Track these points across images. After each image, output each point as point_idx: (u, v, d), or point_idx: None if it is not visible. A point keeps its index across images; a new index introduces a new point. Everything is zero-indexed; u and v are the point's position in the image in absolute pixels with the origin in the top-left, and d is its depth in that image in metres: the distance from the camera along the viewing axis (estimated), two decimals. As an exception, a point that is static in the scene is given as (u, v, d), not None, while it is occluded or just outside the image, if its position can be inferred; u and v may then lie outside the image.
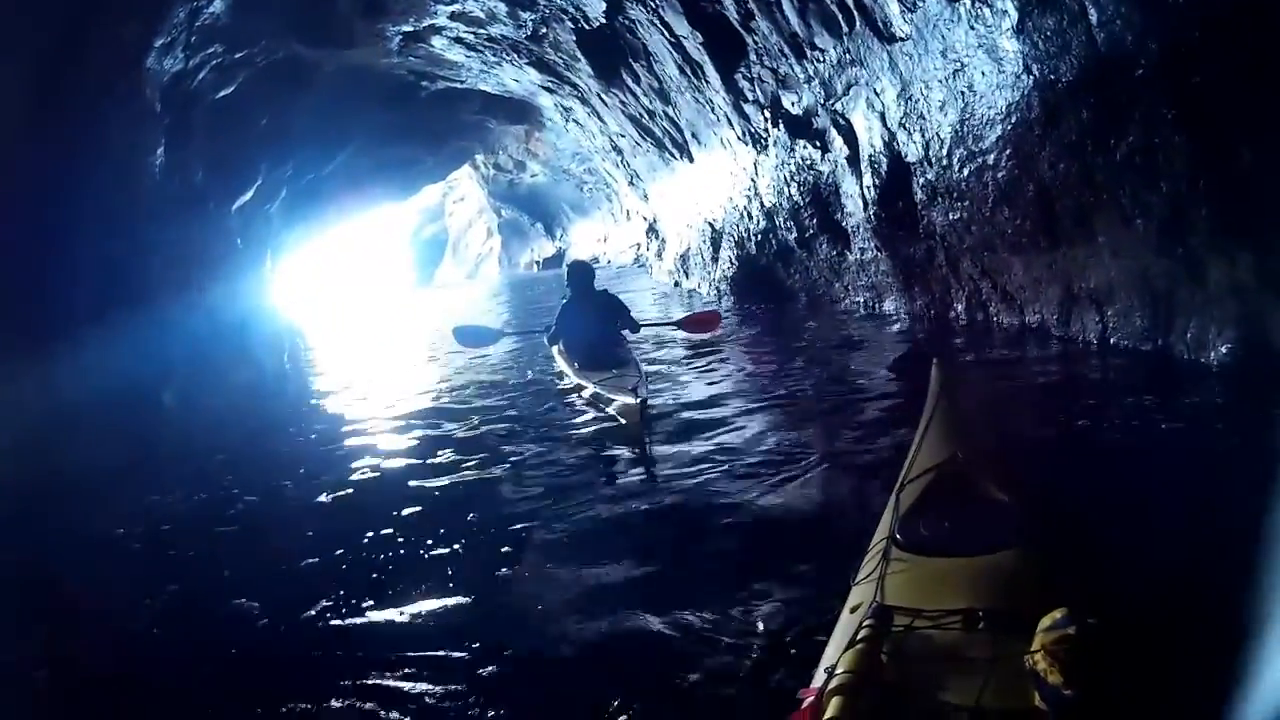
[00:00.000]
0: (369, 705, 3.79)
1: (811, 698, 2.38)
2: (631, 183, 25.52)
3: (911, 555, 3.26)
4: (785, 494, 5.77)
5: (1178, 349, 7.69)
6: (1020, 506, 3.57)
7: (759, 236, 16.89)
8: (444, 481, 7.05)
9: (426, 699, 3.77)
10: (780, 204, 15.53)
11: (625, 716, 3.42)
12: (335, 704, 3.85)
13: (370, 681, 3.98)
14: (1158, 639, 3.19)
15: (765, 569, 4.51)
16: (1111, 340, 8.54)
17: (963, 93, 9.60)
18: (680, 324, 10.64)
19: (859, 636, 2.57)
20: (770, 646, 3.71)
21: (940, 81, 9.93)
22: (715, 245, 19.18)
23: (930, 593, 2.90)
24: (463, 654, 4.09)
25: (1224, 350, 7.20)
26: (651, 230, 26.79)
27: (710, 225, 19.36)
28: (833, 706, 2.26)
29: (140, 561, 6.32)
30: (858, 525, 4.12)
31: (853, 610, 3.05)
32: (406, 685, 3.90)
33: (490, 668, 3.94)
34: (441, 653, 4.14)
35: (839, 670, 2.40)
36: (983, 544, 3.17)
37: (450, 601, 4.74)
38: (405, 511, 6.30)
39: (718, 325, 11.23)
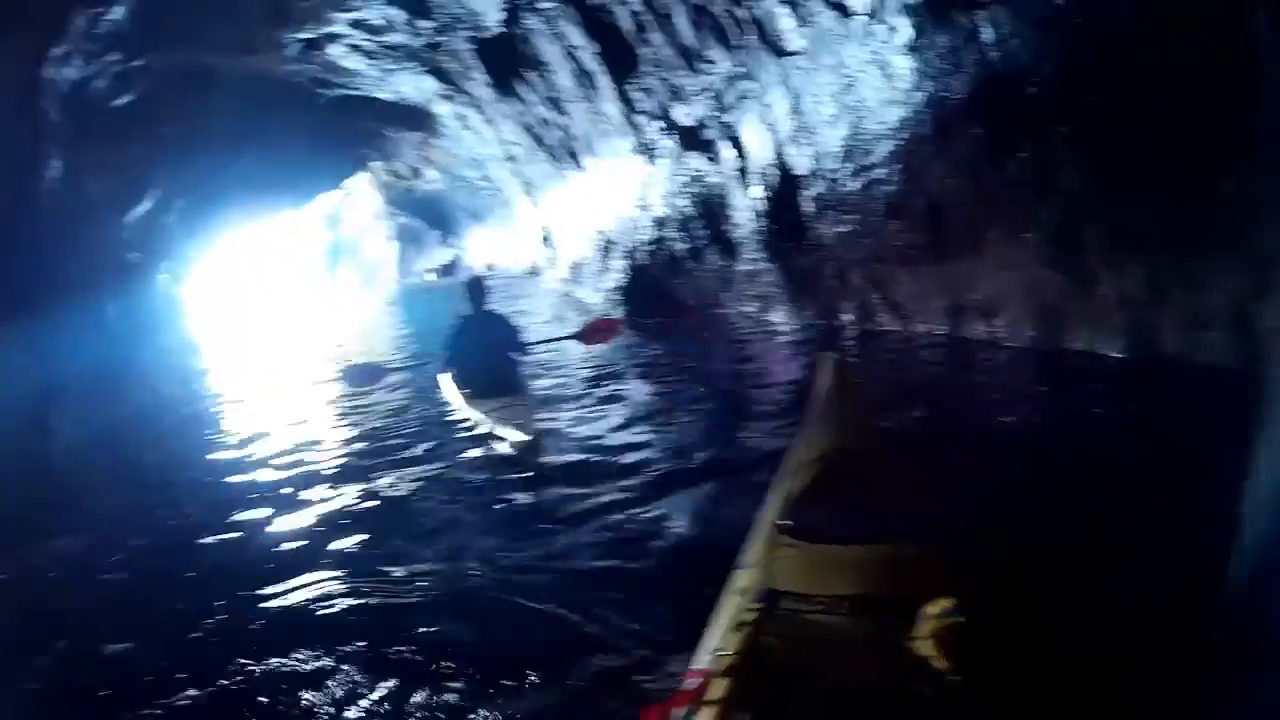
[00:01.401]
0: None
1: (696, 679, 2.32)
2: (526, 191, 25.17)
3: (797, 541, 3.12)
4: (675, 504, 5.63)
5: (1067, 358, 7.56)
6: (906, 496, 3.50)
7: (649, 246, 16.55)
8: (331, 525, 6.35)
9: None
10: (670, 215, 15.21)
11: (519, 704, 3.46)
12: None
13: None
14: (1039, 624, 3.24)
15: (652, 575, 4.53)
16: (1004, 355, 8.34)
17: (853, 107, 9.37)
18: (578, 335, 10.00)
19: (745, 619, 2.59)
20: (656, 638, 3.72)
21: (831, 96, 9.69)
22: (606, 255, 18.84)
23: (816, 578, 2.85)
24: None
25: (1114, 358, 7.12)
26: (545, 239, 26.44)
27: (601, 235, 19.02)
28: (717, 687, 2.24)
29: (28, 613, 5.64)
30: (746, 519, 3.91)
31: (738, 594, 2.97)
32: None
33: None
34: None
35: (724, 652, 2.42)
36: (868, 532, 3.04)
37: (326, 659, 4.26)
38: (288, 563, 5.69)
39: (618, 333, 10.56)
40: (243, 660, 4.30)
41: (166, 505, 7.42)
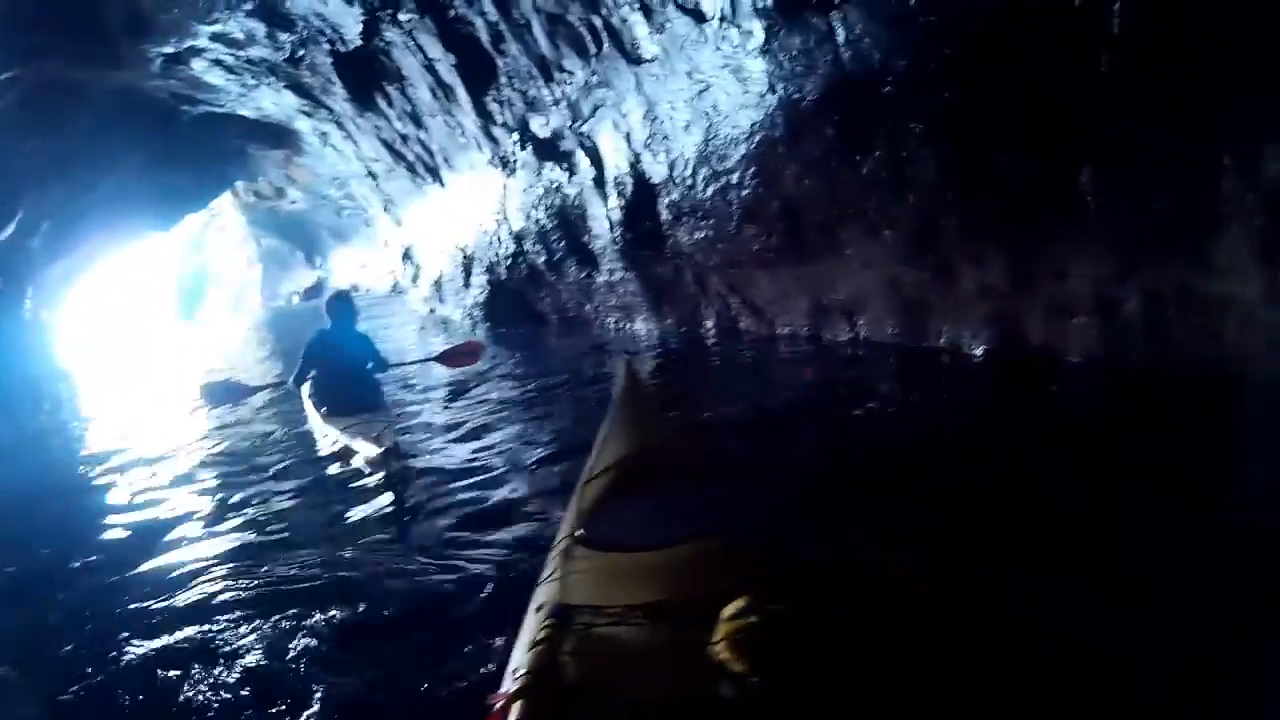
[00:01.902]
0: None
1: (500, 703, 2.22)
2: (386, 208, 24.75)
3: (595, 551, 3.08)
4: (517, 515, 5.62)
5: (933, 350, 7.64)
6: (704, 498, 3.46)
7: (509, 260, 16.34)
8: (193, 544, 6.21)
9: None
10: (529, 227, 15.02)
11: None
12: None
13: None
14: (845, 624, 2.88)
15: (480, 590, 4.41)
16: (863, 347, 8.43)
17: (707, 112, 9.26)
18: (440, 358, 9.77)
19: (539, 637, 2.47)
20: (473, 655, 3.64)
21: (686, 102, 9.55)
22: (467, 271, 18.53)
23: (614, 588, 2.74)
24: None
25: (980, 350, 7.16)
26: (407, 256, 26.00)
27: (462, 251, 18.72)
28: (516, 709, 2.15)
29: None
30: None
31: (537, 610, 2.81)
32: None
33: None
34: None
35: (520, 672, 2.32)
36: (666, 536, 2.96)
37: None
38: (155, 580, 5.54)
39: (479, 356, 10.38)
40: (121, 667, 4.30)
41: (35, 534, 7.09)
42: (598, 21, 10.29)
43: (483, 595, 4.26)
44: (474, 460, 7.30)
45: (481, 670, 3.40)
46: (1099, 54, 5.26)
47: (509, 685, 2.33)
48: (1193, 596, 3.22)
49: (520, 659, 2.49)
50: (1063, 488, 4.53)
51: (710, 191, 9.67)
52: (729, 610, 2.14)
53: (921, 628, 2.99)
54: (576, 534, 3.23)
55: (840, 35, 7.12)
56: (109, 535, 6.79)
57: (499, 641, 3.41)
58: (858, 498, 4.67)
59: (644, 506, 3.35)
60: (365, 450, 7.31)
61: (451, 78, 14.37)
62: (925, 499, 4.53)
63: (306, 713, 3.51)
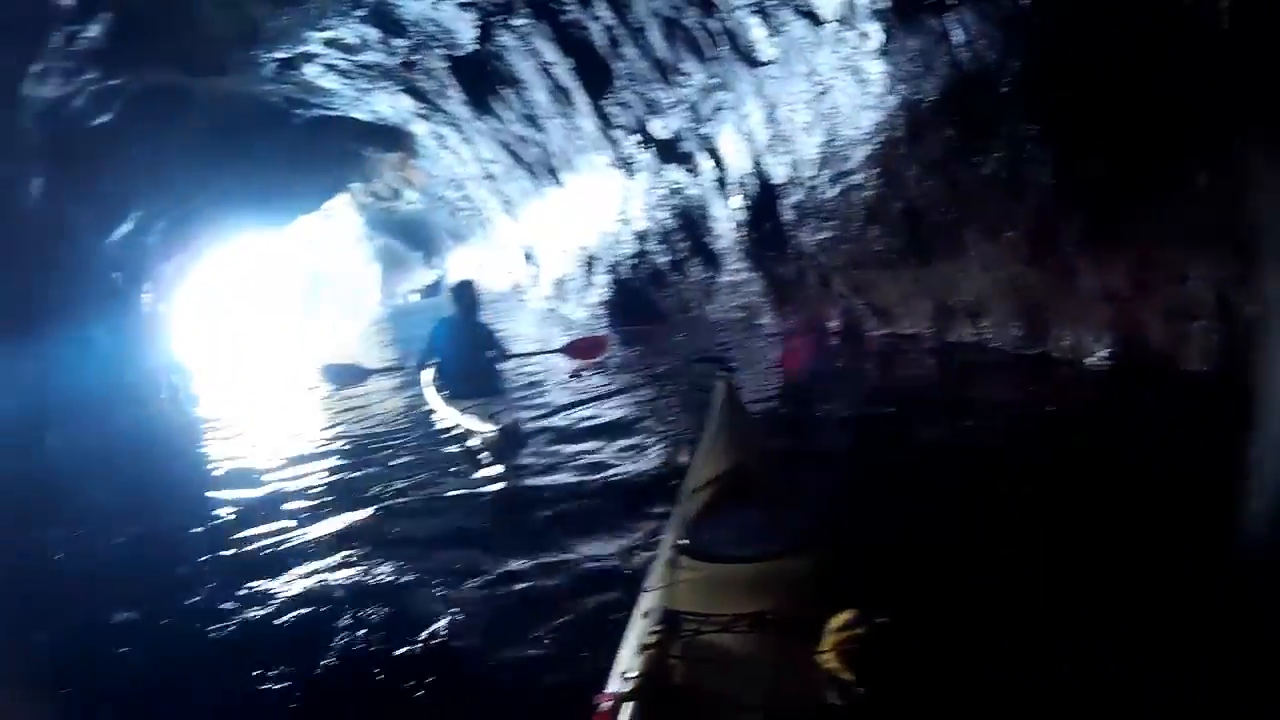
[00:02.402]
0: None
1: (607, 703, 2.37)
2: (505, 209, 25.13)
3: (700, 562, 3.21)
4: (621, 515, 5.63)
5: (1055, 354, 7.69)
6: (805, 513, 3.67)
7: (632, 260, 16.59)
8: (313, 525, 6.50)
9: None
10: (651, 228, 15.29)
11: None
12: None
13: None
14: (950, 636, 3.20)
15: (583, 584, 4.54)
16: (988, 349, 8.51)
17: (828, 114, 9.46)
18: (565, 350, 10.02)
19: (648, 642, 2.59)
20: (574, 654, 3.72)
21: (806, 103, 9.77)
22: (590, 270, 18.84)
23: (719, 598, 2.87)
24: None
25: (1102, 354, 7.18)
26: (527, 256, 26.39)
27: (584, 251, 19.03)
28: (626, 711, 2.28)
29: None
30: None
31: (644, 616, 2.98)
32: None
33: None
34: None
35: (630, 675, 2.44)
36: (769, 550, 3.14)
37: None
38: (269, 553, 5.97)
39: (605, 350, 10.59)
40: (230, 627, 4.71)
41: (159, 505, 7.75)
42: (714, 25, 10.54)
43: (584, 594, 4.36)
44: (585, 452, 7.45)
45: (581, 669, 3.39)
46: (1212, 52, 5.32)
47: (617, 686, 2.49)
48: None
49: (629, 662, 2.63)
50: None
51: (833, 192, 9.84)
52: (836, 622, 2.24)
53: (1028, 641, 3.22)
54: (681, 544, 3.38)
55: (956, 36, 7.28)
56: (228, 508, 7.21)
57: (599, 643, 3.30)
58: (966, 511, 4.74)
59: (746, 519, 3.50)
60: (481, 434, 7.64)
61: (569, 81, 14.71)
62: (1035, 514, 4.57)
63: (407, 695, 3.71)
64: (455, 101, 18.46)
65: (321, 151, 23.62)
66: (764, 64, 10.16)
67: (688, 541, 3.37)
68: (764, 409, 7.85)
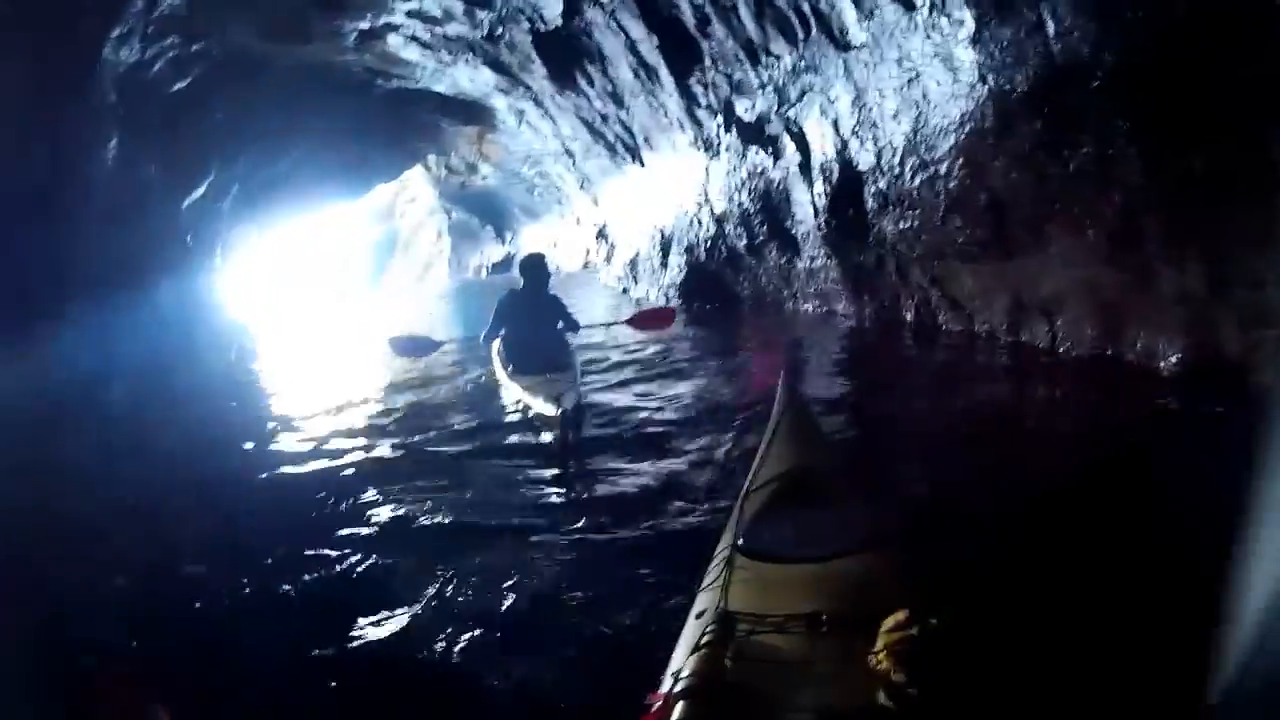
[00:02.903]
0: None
1: (659, 702, 2.40)
2: (582, 187, 25.40)
3: (756, 562, 3.28)
4: (687, 508, 5.65)
5: (1128, 357, 7.73)
6: (864, 513, 3.66)
7: (708, 243, 16.75)
8: (370, 492, 6.69)
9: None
10: (731, 210, 15.43)
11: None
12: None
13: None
14: (1006, 639, 3.29)
15: (637, 579, 4.57)
16: (1060, 350, 8.58)
17: (917, 101, 9.57)
18: (631, 321, 10.13)
19: (702, 641, 2.61)
20: (626, 651, 3.80)
21: (895, 90, 9.90)
22: (665, 251, 19.01)
23: (774, 598, 2.92)
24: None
25: (1174, 359, 7.24)
26: (601, 235, 26.65)
27: (660, 231, 19.20)
28: (678, 710, 2.29)
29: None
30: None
31: (698, 616, 3.07)
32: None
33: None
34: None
35: (683, 674, 2.44)
36: (826, 550, 3.21)
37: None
38: (342, 519, 6.15)
39: (671, 322, 10.78)
40: (294, 567, 5.13)
41: (227, 453, 8.35)
42: (805, 6, 10.75)
43: (638, 591, 4.36)
44: (649, 435, 7.61)
45: (633, 666, 3.31)
46: None
47: (669, 686, 2.48)
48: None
49: (681, 661, 2.63)
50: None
51: (917, 181, 9.93)
52: (889, 623, 2.31)
53: (1079, 643, 3.33)
54: (738, 544, 3.43)
55: (1050, 27, 7.35)
56: (289, 471, 7.53)
57: (653, 642, 3.33)
58: (1023, 515, 4.80)
59: (804, 519, 3.54)
60: (544, 411, 7.69)
61: (654, 59, 14.94)
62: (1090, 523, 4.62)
63: (452, 686, 3.80)
64: (538, 76, 18.72)
65: (399, 123, 24.05)
66: (855, 48, 10.31)
67: (744, 541, 3.44)
68: (828, 406, 7.92)
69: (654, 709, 2.38)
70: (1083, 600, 3.72)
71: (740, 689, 2.41)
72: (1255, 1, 5.69)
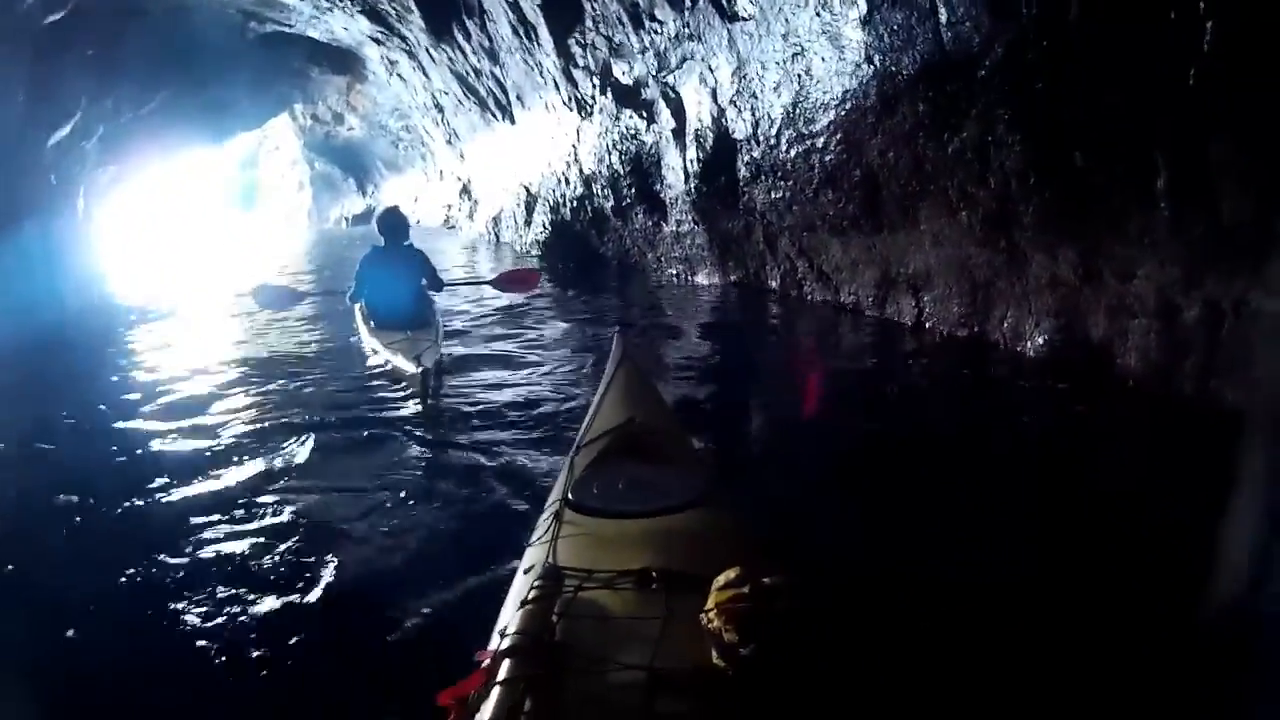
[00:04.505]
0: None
1: (486, 659, 2.29)
2: (449, 142, 24.99)
3: (585, 517, 3.16)
4: (525, 467, 5.54)
5: (994, 337, 7.82)
6: (696, 469, 3.59)
7: (574, 203, 16.61)
8: (220, 444, 6.31)
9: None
10: (600, 171, 15.29)
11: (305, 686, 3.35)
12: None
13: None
14: (845, 595, 3.35)
15: (477, 534, 4.50)
16: (927, 325, 8.65)
17: (800, 76, 9.48)
18: (494, 283, 9.88)
19: (530, 597, 2.54)
20: (458, 608, 3.69)
21: (778, 63, 9.79)
22: (529, 209, 18.83)
23: (604, 554, 2.82)
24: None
25: (1040, 341, 7.32)
26: (465, 191, 26.26)
27: (526, 189, 18.99)
28: (505, 668, 2.20)
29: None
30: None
31: (526, 572, 2.92)
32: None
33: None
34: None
35: (509, 631, 2.38)
36: (657, 505, 3.12)
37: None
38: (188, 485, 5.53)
39: (536, 284, 10.60)
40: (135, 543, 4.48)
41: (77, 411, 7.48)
42: (696, -26, 10.55)
43: (472, 547, 4.27)
44: (503, 393, 7.47)
45: (467, 625, 3.12)
46: (1188, 66, 5.35)
47: (496, 643, 2.39)
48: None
49: (509, 618, 2.55)
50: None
51: (793, 153, 9.89)
52: (721, 580, 2.23)
53: (915, 603, 3.36)
54: (567, 498, 3.31)
55: (943, 14, 7.31)
56: (132, 424, 6.97)
57: (487, 599, 3.15)
58: (860, 479, 4.88)
59: (635, 475, 3.44)
60: (405, 368, 7.47)
61: (535, 16, 14.66)
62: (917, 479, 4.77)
63: (290, 649, 3.54)
64: (415, 28, 18.34)
65: (270, 69, 23.51)
66: (742, 19, 10.18)
67: (573, 495, 3.33)
68: (674, 366, 7.97)
69: (482, 665, 2.27)
70: (917, 563, 3.76)
71: (568, 646, 2.32)
72: (1143, 6, 5.68)
